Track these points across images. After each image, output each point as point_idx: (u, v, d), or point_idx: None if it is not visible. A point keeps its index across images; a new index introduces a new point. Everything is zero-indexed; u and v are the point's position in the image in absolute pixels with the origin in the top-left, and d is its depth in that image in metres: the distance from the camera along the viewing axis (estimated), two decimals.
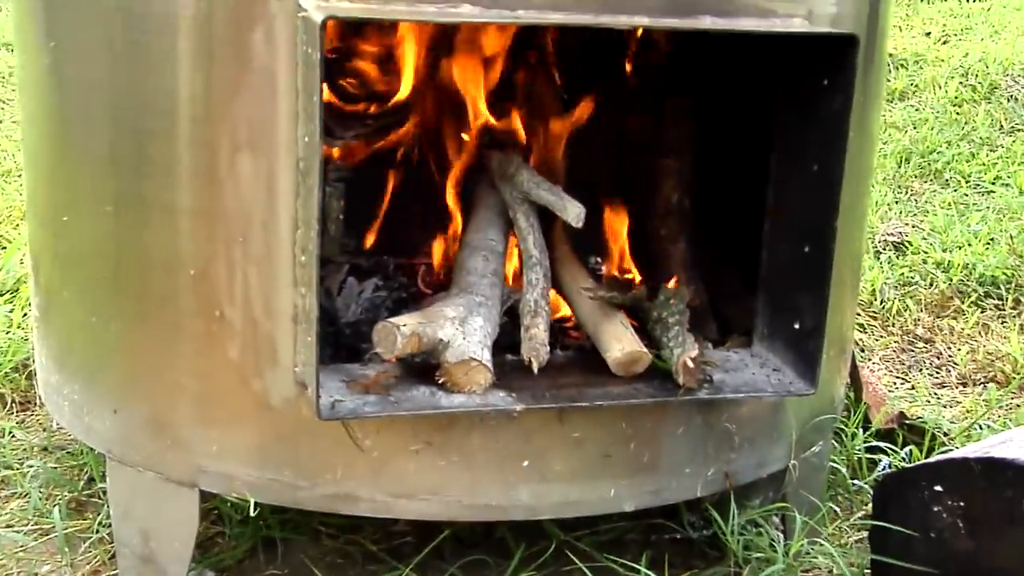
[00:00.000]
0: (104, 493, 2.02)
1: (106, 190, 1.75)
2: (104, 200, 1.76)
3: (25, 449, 2.29)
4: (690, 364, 1.71)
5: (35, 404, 2.46)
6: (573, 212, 1.76)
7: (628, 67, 2.11)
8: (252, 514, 1.79)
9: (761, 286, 1.91)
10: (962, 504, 1.76)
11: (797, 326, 1.82)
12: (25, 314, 2.71)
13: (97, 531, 2.01)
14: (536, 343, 1.73)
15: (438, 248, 2.06)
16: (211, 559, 1.97)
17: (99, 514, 2.04)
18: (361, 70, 1.99)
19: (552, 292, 1.88)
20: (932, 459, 1.86)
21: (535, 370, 1.72)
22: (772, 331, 1.89)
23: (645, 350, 1.76)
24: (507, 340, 1.82)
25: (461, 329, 1.67)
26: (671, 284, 1.95)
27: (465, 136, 1.99)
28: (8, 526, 2.04)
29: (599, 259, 2.15)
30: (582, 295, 1.87)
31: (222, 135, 1.64)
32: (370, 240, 2.07)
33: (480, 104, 1.94)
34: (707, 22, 1.65)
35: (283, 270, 1.65)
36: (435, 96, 1.98)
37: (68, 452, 2.27)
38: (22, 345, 2.58)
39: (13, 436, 2.32)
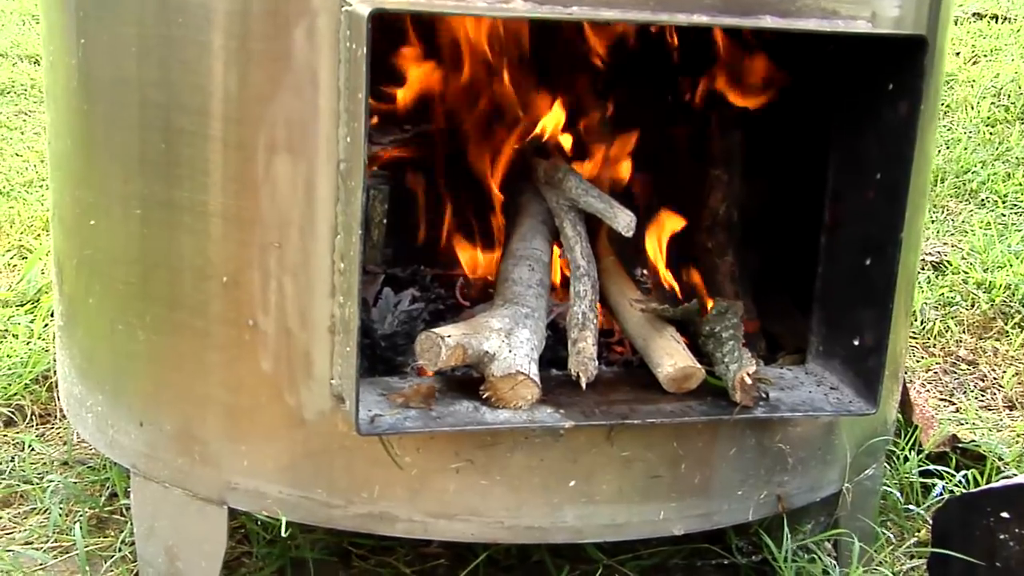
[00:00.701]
0: (127, 509, 1.94)
1: (135, 193, 1.68)
2: (133, 204, 1.69)
3: (45, 463, 2.22)
4: (747, 381, 1.63)
5: (56, 417, 2.38)
6: (624, 221, 1.69)
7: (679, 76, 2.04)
8: (284, 534, 1.70)
9: (816, 301, 1.84)
10: None
11: (856, 343, 1.74)
12: (46, 325, 2.64)
13: (120, 549, 1.93)
14: (584, 357, 1.65)
15: (478, 258, 1.98)
16: None
17: (122, 531, 1.96)
18: (400, 72, 1.92)
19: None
20: (997, 484, 1.78)
21: (583, 386, 1.64)
22: (828, 348, 1.81)
23: (699, 366, 1.68)
24: (548, 354, 1.75)
25: (507, 341, 1.59)
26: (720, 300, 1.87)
27: (509, 143, 1.92)
28: (27, 543, 1.96)
29: (645, 271, 2.07)
30: (630, 308, 1.79)
31: (259, 136, 1.57)
32: (407, 248, 1.99)
33: (526, 111, 1.87)
34: (768, 21, 1.58)
35: (321, 278, 1.58)
36: (479, 101, 1.91)
37: (89, 467, 2.19)
38: (43, 356, 2.51)
39: (33, 450, 2.25)
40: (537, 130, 1.88)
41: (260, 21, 1.54)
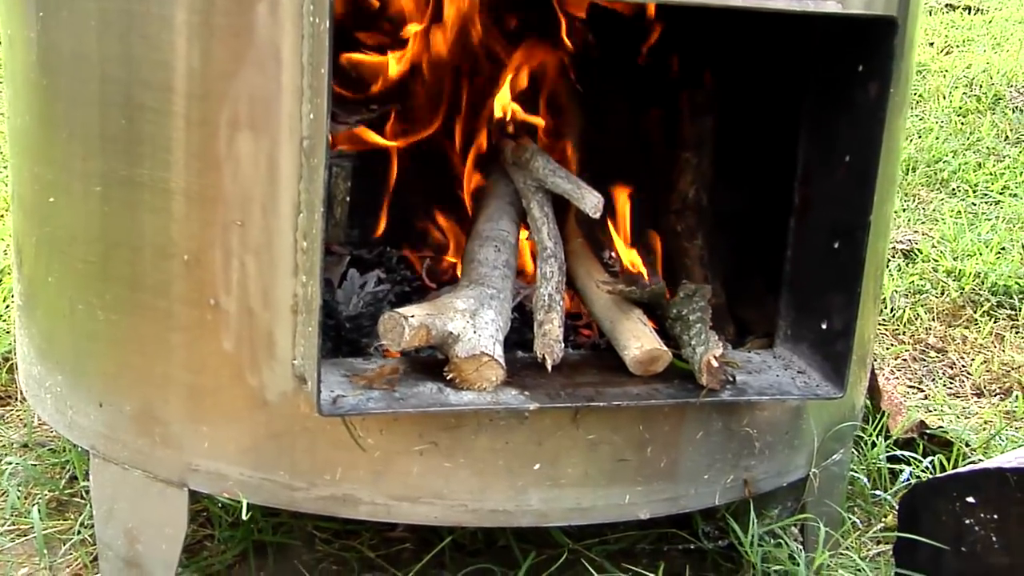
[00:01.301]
0: (87, 492, 1.91)
1: (95, 170, 1.65)
2: (93, 181, 1.66)
3: (4, 445, 2.19)
4: (714, 364, 1.62)
5: (15, 399, 2.35)
6: (591, 202, 1.67)
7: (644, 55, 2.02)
8: (244, 516, 1.68)
9: (785, 285, 1.83)
10: (996, 517, 1.67)
11: (824, 326, 1.73)
12: (7, 306, 2.60)
13: (79, 532, 1.90)
14: (550, 339, 1.63)
15: (444, 239, 1.96)
16: (199, 563, 1.87)
17: (81, 514, 1.94)
18: (364, 51, 1.90)
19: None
20: (964, 470, 1.77)
21: (549, 368, 1.62)
22: (796, 332, 1.80)
23: (665, 348, 1.66)
24: (514, 336, 1.73)
25: (472, 322, 1.57)
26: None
27: (479, 123, 1.89)
28: None
29: (613, 254, 2.05)
30: (597, 290, 1.77)
31: (221, 112, 1.54)
32: (373, 229, 1.97)
33: (494, 90, 1.84)
34: (737, 0, 1.56)
35: (283, 257, 1.55)
36: (445, 81, 1.89)
37: (49, 449, 2.16)
38: (3, 338, 2.47)
39: None
40: (501, 110, 1.85)
41: None
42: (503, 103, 1.82)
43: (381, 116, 1.90)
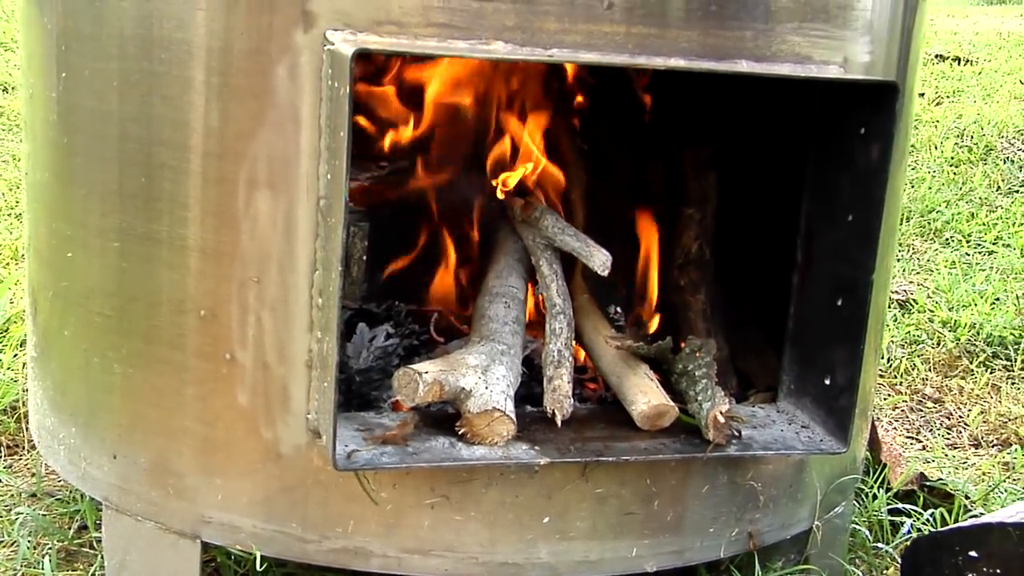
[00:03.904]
0: (97, 542, 1.93)
1: (113, 226, 1.68)
2: (111, 237, 1.69)
3: (13, 495, 2.20)
4: (720, 419, 1.65)
5: (24, 448, 2.37)
6: (600, 260, 1.70)
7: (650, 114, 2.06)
8: (258, 568, 1.70)
9: (788, 340, 1.86)
10: (999, 572, 1.69)
11: (828, 382, 1.76)
12: (15, 355, 2.62)
13: None
14: (560, 395, 1.66)
15: (452, 294, 1.99)
16: None
17: (91, 565, 1.95)
18: (376, 109, 1.94)
19: None
20: (966, 524, 1.80)
21: (559, 423, 1.65)
22: (800, 386, 1.83)
23: (672, 403, 1.69)
24: (522, 390, 1.76)
25: (484, 378, 1.60)
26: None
27: (489, 181, 1.93)
28: None
29: (619, 309, 2.08)
30: (604, 345, 1.80)
31: (239, 171, 1.57)
32: (382, 285, 2.00)
33: (503, 150, 1.88)
34: (743, 66, 1.61)
35: (299, 313, 1.58)
36: (455, 139, 1.93)
37: (58, 499, 2.17)
38: (11, 387, 2.49)
39: (0, 481, 2.23)
40: (512, 171, 1.89)
41: (243, 58, 1.55)
42: (513, 170, 1.86)
43: (391, 173, 1.93)
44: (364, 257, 1.78)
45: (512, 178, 1.87)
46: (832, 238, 1.77)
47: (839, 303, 1.74)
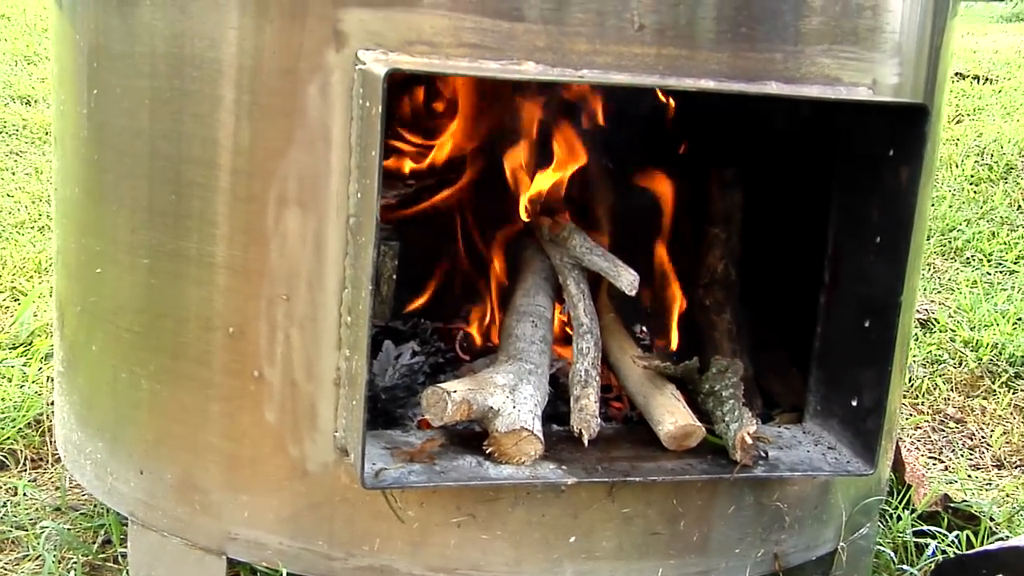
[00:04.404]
0: (122, 557, 1.93)
1: (143, 243, 1.69)
2: (140, 253, 1.70)
3: (38, 509, 2.20)
4: (748, 440, 1.64)
5: (48, 462, 2.37)
6: (627, 279, 1.70)
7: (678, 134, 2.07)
8: None
9: (815, 361, 1.85)
10: None
11: (855, 403, 1.76)
12: (40, 369, 2.63)
13: None
14: (587, 414, 1.66)
15: (478, 313, 1.99)
16: None
17: None
18: (404, 128, 1.95)
19: None
20: (993, 547, 1.79)
21: (585, 442, 1.65)
22: (826, 407, 1.83)
23: (699, 424, 1.69)
24: (548, 409, 1.76)
25: (511, 397, 1.60)
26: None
27: (515, 200, 1.93)
28: None
29: (644, 327, 2.08)
30: (631, 365, 1.80)
31: (269, 189, 1.58)
32: (407, 301, 2.00)
33: (529, 169, 1.89)
34: (773, 88, 1.61)
35: (328, 331, 1.59)
36: (483, 158, 1.93)
37: (83, 513, 2.18)
38: (36, 401, 2.50)
39: (25, 495, 2.23)
40: (537, 189, 1.90)
41: (274, 77, 1.56)
42: (539, 186, 1.87)
43: (420, 190, 1.94)
44: (394, 276, 1.79)
45: (538, 197, 1.88)
46: (859, 259, 1.76)
47: (866, 324, 1.73)
